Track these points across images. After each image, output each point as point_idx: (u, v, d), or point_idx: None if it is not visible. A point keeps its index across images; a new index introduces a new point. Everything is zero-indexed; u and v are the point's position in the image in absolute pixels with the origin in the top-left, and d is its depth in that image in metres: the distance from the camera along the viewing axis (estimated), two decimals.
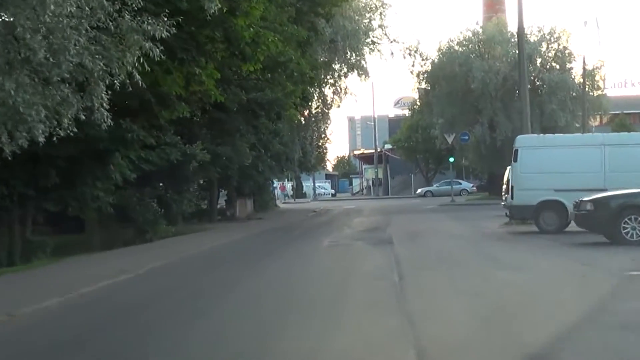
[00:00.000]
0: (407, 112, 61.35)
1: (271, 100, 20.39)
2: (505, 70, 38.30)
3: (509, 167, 24.91)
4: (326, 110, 31.89)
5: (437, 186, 55.60)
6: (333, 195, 71.54)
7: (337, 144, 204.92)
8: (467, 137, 39.15)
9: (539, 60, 39.19)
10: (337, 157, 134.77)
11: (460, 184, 54.63)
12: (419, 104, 46.49)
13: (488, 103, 38.16)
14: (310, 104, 25.28)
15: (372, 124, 65.13)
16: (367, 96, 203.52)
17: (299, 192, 67.40)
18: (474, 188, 53.89)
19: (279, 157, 30.18)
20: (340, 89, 31.43)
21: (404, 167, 63.97)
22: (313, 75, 19.22)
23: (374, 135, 64.04)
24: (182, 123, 17.97)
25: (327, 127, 36.56)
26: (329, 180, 77.04)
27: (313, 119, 32.33)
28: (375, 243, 15.74)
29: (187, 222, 27.69)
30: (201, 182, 28.07)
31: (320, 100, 31.15)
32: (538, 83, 39.01)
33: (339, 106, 31.99)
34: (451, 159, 39.46)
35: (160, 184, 19.27)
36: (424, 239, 17.19)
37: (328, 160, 40.07)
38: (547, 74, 38.05)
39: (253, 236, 19.92)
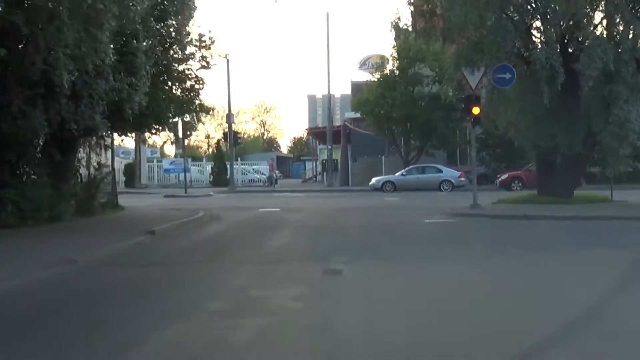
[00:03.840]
0: (375, 76, 40.40)
1: None
2: None
3: None
4: None
5: (403, 174, 35.26)
6: (271, 182, 50.93)
7: (295, 126, 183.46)
8: (510, 76, 18.86)
9: None
10: (294, 138, 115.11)
11: (442, 171, 34.68)
12: (405, 26, 25.47)
13: (562, 2, 17.92)
14: None
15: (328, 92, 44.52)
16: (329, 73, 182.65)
17: (219, 178, 46.58)
18: (463, 179, 33.92)
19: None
20: None
21: (372, 146, 43.44)
22: None
23: (328, 95, 43.48)
24: None
25: (185, 22, 15.19)
26: (264, 162, 56.25)
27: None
28: None
29: None
30: None
31: None
32: None
33: None
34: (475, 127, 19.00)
35: None
36: None
37: (210, 111, 18.19)
38: None
39: None
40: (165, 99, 14.97)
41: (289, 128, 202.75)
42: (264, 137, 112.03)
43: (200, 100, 17.35)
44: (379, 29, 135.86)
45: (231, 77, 39.71)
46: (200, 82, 16.75)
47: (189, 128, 19.77)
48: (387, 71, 38.77)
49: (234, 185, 39.78)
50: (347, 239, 12.72)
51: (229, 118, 38.86)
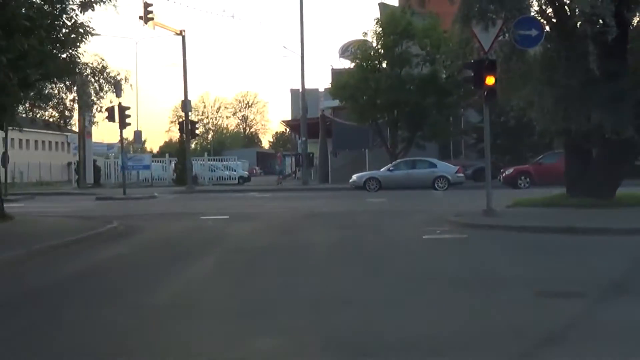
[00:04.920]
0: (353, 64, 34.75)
1: None
2: None
3: None
4: None
5: (390, 169, 30.12)
6: (243, 180, 45.67)
7: (278, 121, 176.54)
8: (537, 33, 13.70)
9: None
10: (277, 133, 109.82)
11: (436, 166, 29.60)
12: None
13: None
14: None
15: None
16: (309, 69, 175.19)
17: (183, 176, 41.05)
18: (461, 175, 29.08)
19: None
20: None
21: (355, 139, 38.24)
22: None
23: (301, 77, 38.10)
24: None
25: None
26: (235, 158, 50.94)
27: None
28: None
29: None
30: None
31: None
32: None
33: None
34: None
35: None
36: None
37: (117, 81, 13.17)
38: None
39: None
40: (11, 48, 9.36)
41: (272, 123, 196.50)
42: (245, 133, 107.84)
43: (78, 57, 11.75)
44: (364, 13, 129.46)
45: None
46: (83, 31, 11.16)
47: (85, 104, 14.22)
48: (371, 52, 33.46)
49: (192, 184, 34.18)
50: (299, 280, 7.53)
51: (185, 106, 33.29)
